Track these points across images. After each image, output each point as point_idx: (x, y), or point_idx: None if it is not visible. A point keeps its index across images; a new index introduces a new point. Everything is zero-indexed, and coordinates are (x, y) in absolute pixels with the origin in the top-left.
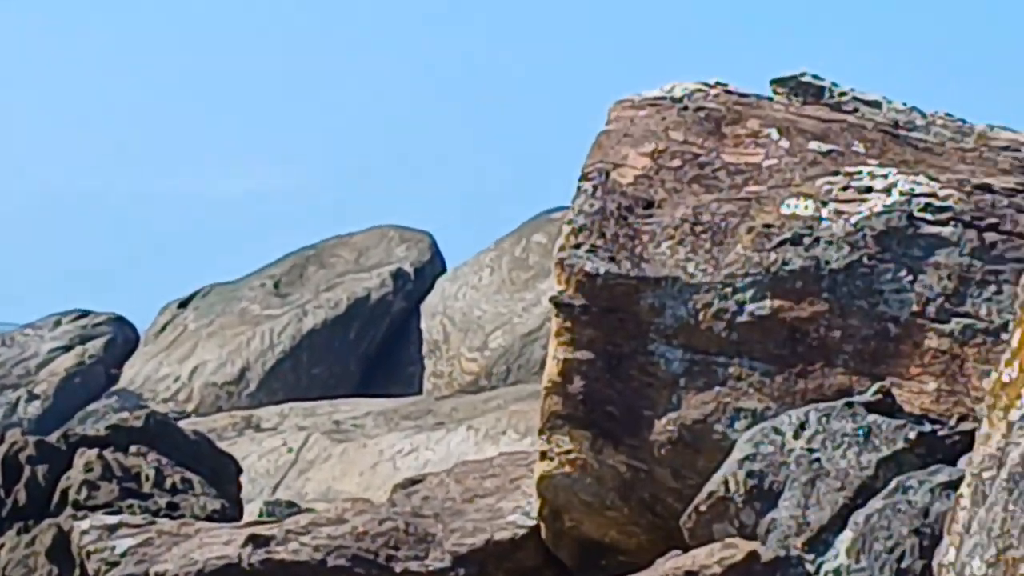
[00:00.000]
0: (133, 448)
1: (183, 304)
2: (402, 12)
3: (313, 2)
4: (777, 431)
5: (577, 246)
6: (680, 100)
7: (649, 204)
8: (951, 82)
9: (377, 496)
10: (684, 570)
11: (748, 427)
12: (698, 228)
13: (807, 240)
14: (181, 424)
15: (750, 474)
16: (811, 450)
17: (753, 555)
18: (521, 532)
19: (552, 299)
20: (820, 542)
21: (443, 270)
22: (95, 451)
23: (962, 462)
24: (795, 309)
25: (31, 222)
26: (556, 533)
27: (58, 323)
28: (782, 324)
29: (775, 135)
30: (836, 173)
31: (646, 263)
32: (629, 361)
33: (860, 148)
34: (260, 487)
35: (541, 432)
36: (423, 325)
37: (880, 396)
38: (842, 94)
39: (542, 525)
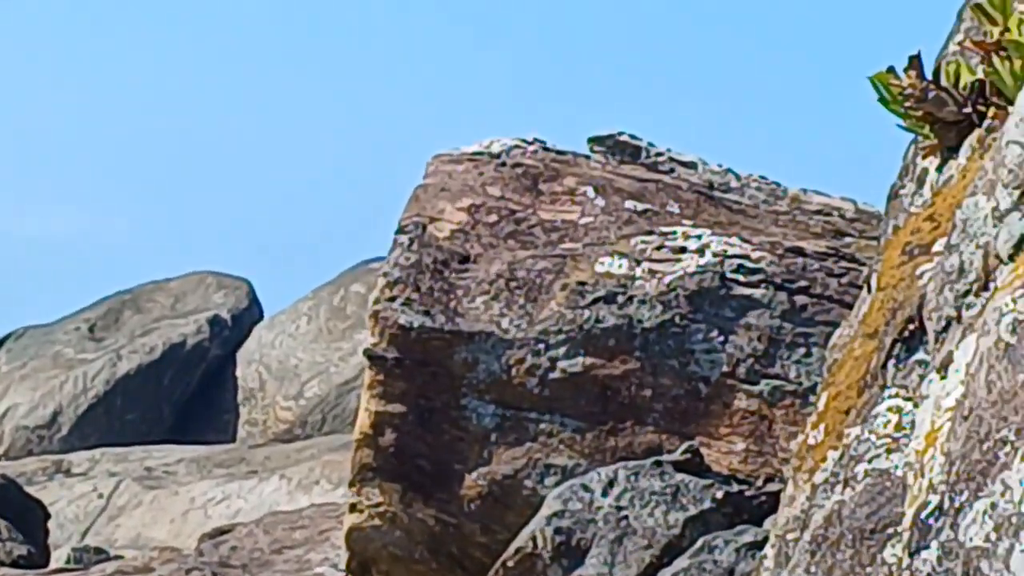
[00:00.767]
0: None
1: None
2: (233, 55)
3: (117, 40)
4: (586, 488)
5: (392, 299)
6: (498, 156)
7: (465, 259)
8: (767, 144)
9: (188, 544)
10: None
11: (558, 483)
12: (513, 284)
13: (620, 298)
14: None
15: (558, 531)
16: (619, 508)
17: None
18: None
19: (366, 352)
20: None
21: (260, 317)
22: None
23: (768, 523)
24: (607, 367)
25: None
26: None
27: None
28: (594, 381)
29: (591, 193)
30: (651, 232)
31: (460, 317)
32: (441, 415)
33: (675, 208)
34: (69, 533)
35: (351, 484)
36: (239, 372)
37: (689, 455)
38: (659, 154)
39: None
